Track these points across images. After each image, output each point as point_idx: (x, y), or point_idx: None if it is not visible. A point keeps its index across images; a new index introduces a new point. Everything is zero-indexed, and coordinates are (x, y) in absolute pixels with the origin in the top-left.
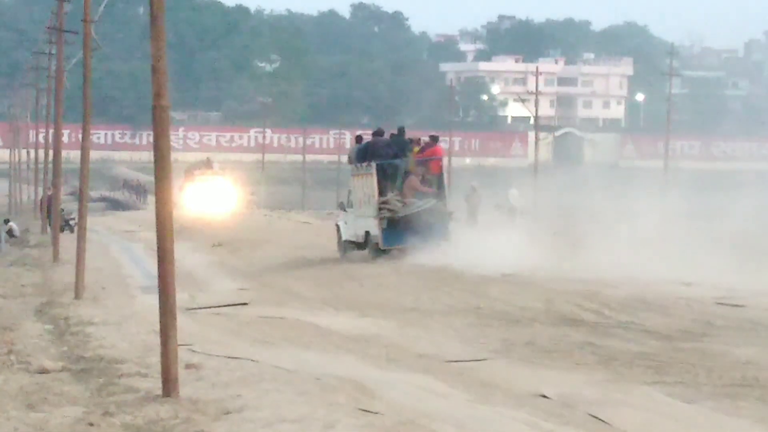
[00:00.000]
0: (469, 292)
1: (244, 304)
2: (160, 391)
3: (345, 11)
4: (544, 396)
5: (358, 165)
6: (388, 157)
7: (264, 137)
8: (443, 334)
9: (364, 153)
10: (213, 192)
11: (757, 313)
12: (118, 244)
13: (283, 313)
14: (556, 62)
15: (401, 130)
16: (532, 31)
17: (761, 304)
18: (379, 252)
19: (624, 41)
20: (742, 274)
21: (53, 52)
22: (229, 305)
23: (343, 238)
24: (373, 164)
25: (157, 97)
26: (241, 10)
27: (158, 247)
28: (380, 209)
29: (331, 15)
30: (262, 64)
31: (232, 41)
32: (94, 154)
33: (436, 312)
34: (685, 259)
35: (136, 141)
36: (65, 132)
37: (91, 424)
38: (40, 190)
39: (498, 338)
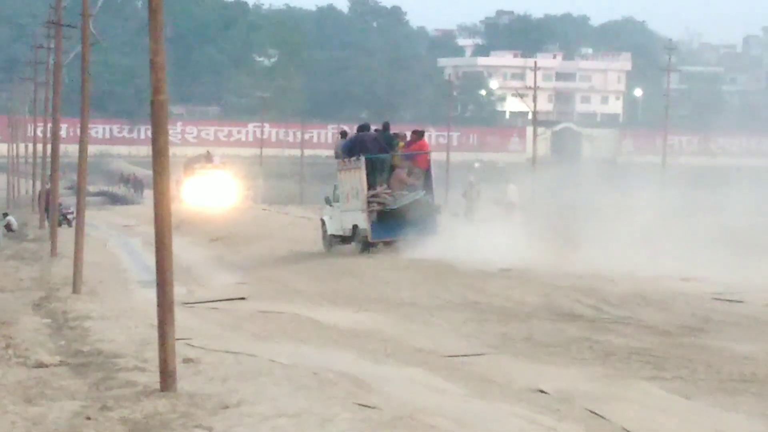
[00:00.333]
0: (467, 287)
1: (242, 298)
2: (157, 386)
3: (343, 6)
4: (542, 391)
5: (345, 160)
6: (376, 152)
7: (262, 132)
8: (441, 328)
9: (351, 147)
10: (213, 186)
11: (755, 309)
12: (116, 238)
13: (281, 308)
14: (555, 57)
15: (386, 125)
16: (531, 26)
17: (759, 300)
18: (367, 245)
19: (622, 36)
20: (740, 269)
21: (51, 46)
22: (227, 300)
23: (329, 232)
24: (362, 158)
25: (156, 92)
26: (240, 4)
27: (156, 242)
28: (369, 202)
29: (330, 10)
30: (261, 59)
31: (230, 36)
32: (92, 149)
33: (434, 307)
34: (684, 254)
35: (135, 135)
36: (63, 126)
37: (89, 418)
38: (38, 184)
39: (496, 333)
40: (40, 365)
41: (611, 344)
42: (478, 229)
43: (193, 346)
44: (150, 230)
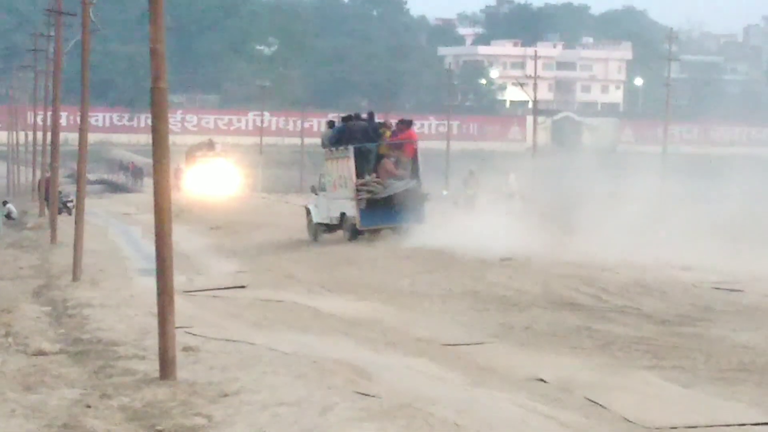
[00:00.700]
0: (467, 276)
1: (242, 287)
2: (157, 374)
3: None
4: (542, 380)
5: (333, 149)
6: (364, 141)
7: (262, 120)
8: (441, 317)
9: (339, 137)
10: (215, 174)
11: (755, 298)
12: (116, 226)
13: (281, 297)
14: (555, 46)
15: (371, 115)
16: (531, 15)
17: (759, 289)
18: (356, 233)
19: (623, 25)
20: (740, 258)
21: (52, 34)
22: (226, 288)
23: (315, 220)
24: (350, 148)
25: (156, 80)
26: None
27: (156, 230)
28: (358, 191)
29: None
30: (261, 48)
31: (230, 24)
32: (92, 137)
33: (434, 296)
34: (684, 243)
35: (135, 124)
36: (63, 114)
37: (89, 406)
38: (38, 172)
39: (496, 322)
40: (40, 353)
41: (611, 333)
42: (478, 219)
43: (192, 334)
44: (150, 218)
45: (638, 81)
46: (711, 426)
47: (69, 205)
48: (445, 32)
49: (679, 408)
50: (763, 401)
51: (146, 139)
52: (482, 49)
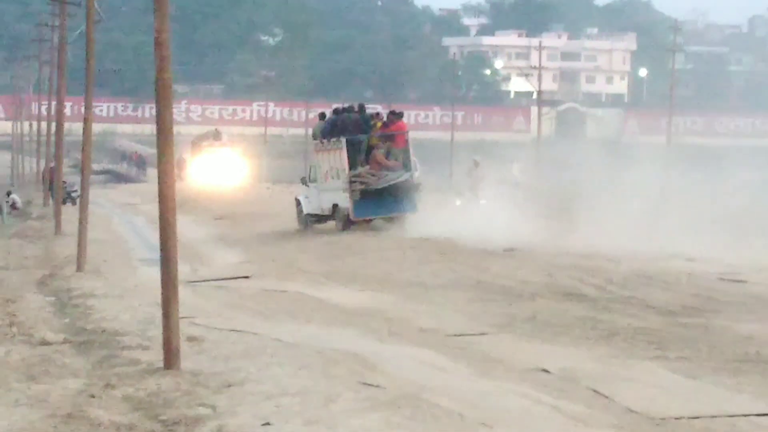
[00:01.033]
0: (471, 267)
1: (246, 277)
2: (161, 364)
3: None
4: (546, 370)
5: (324, 140)
6: (356, 133)
7: (266, 111)
8: (445, 308)
9: (331, 129)
10: (220, 164)
11: (759, 289)
12: (120, 216)
13: (285, 287)
14: (559, 37)
15: (362, 107)
16: (536, 5)
17: (764, 280)
18: (348, 223)
19: (627, 16)
20: (744, 249)
21: (56, 24)
22: (231, 278)
23: (305, 211)
24: (342, 139)
25: (160, 70)
26: None
27: (160, 220)
28: (352, 182)
29: None
30: (266, 38)
31: (235, 14)
32: (96, 127)
33: (438, 286)
34: (688, 234)
35: (139, 114)
36: (67, 104)
37: (93, 396)
38: (43, 162)
39: (500, 313)
40: (44, 343)
41: (615, 324)
42: (482, 209)
43: (196, 324)
44: (154, 208)
45: (643, 72)
46: (715, 416)
47: (73, 195)
48: (449, 23)
49: (683, 398)
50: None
51: (150, 129)
52: (487, 40)
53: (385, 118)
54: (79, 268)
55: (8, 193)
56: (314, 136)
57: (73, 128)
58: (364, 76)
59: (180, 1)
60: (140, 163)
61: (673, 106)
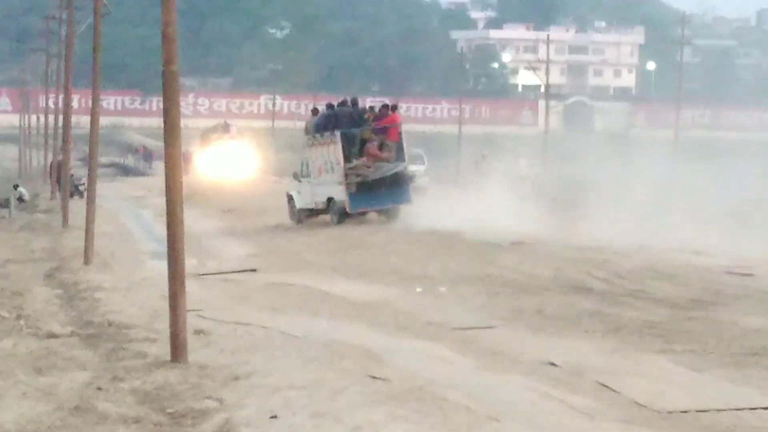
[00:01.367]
0: (479, 260)
1: (253, 270)
2: (168, 357)
3: None
4: (553, 364)
5: (318, 135)
6: (351, 126)
7: (274, 104)
8: (452, 301)
9: (326, 123)
10: (229, 157)
11: (766, 283)
12: (128, 209)
13: (292, 280)
14: (567, 30)
15: (355, 101)
16: None
17: None
18: (344, 216)
19: (635, 9)
20: (752, 243)
21: (63, 17)
22: (238, 271)
23: (298, 206)
24: (337, 133)
25: (167, 63)
26: None
27: (168, 213)
28: (347, 175)
29: None
30: (273, 31)
31: (242, 7)
32: (103, 120)
33: (445, 279)
34: (695, 228)
35: (146, 107)
36: (75, 97)
37: (100, 389)
38: (50, 155)
39: (507, 306)
40: (51, 336)
41: (622, 317)
42: (490, 202)
43: (204, 317)
44: (162, 202)
45: (651, 65)
46: (722, 410)
47: (81, 188)
48: (457, 16)
49: (690, 392)
50: None
51: (158, 122)
52: (494, 33)
53: (377, 111)
54: (87, 261)
55: (15, 186)
56: (306, 131)
57: (81, 121)
58: (372, 70)
59: None
60: (147, 156)
61: (680, 100)
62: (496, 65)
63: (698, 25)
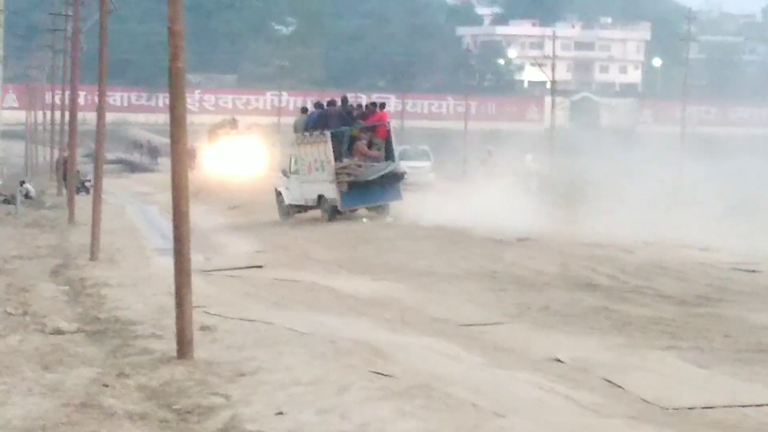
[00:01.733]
0: (485, 256)
1: (259, 266)
2: (174, 353)
3: None
4: (559, 360)
5: (307, 133)
6: (341, 125)
7: (280, 100)
8: (458, 297)
9: (316, 122)
10: (237, 152)
11: None
12: (134, 205)
13: (298, 276)
14: (573, 26)
15: (344, 99)
16: None
17: None
18: (335, 213)
19: (642, 6)
20: (758, 239)
21: (70, 13)
22: (244, 267)
23: (286, 202)
24: (327, 133)
25: (173, 59)
26: None
27: (174, 209)
28: (338, 174)
29: None
30: (279, 27)
31: (249, 4)
32: (110, 116)
33: (451, 276)
34: (701, 224)
35: (153, 103)
36: (81, 94)
37: (106, 385)
38: (56, 151)
39: (513, 302)
40: (58, 332)
41: (628, 314)
42: (496, 198)
43: (210, 313)
44: (168, 198)
45: (657, 61)
46: (728, 406)
47: (87, 184)
48: (463, 12)
49: (696, 388)
50: None
51: (164, 118)
52: (500, 29)
53: (364, 109)
54: (93, 258)
55: (22, 183)
56: (296, 130)
57: (87, 117)
58: (378, 66)
59: None
60: (152, 151)
61: (686, 96)
62: (502, 61)
63: (704, 21)
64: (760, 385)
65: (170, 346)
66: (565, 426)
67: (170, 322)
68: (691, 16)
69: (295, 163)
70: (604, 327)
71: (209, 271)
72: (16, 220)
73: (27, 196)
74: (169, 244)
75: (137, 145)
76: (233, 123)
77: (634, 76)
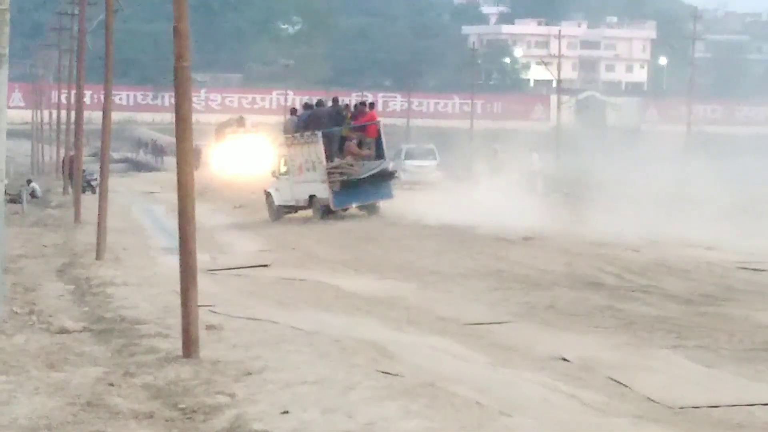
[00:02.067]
0: (490, 255)
1: (265, 265)
2: (180, 352)
3: None
4: (564, 359)
5: (297, 134)
6: (331, 125)
7: (286, 99)
8: (464, 296)
9: (307, 122)
10: (244, 151)
11: None
12: (140, 205)
13: (303, 275)
14: (579, 25)
15: (335, 100)
16: None
17: None
18: (327, 212)
19: (647, 4)
20: (764, 238)
21: (76, 12)
22: (250, 267)
23: (277, 203)
24: (318, 133)
25: (179, 58)
26: None
27: (179, 209)
28: (331, 173)
29: None
30: (285, 26)
31: (254, 3)
32: (116, 115)
33: (456, 275)
34: (707, 223)
35: (158, 102)
36: (87, 93)
37: (112, 384)
38: (62, 150)
39: (518, 301)
40: (63, 331)
41: (634, 313)
42: (502, 197)
43: (215, 313)
44: (173, 197)
45: (662, 60)
46: (734, 405)
47: (93, 183)
48: (468, 11)
49: (702, 387)
50: None
51: (170, 117)
52: (506, 28)
53: (353, 109)
54: (99, 257)
55: (28, 182)
56: (285, 131)
57: (93, 117)
58: (383, 65)
59: None
60: (157, 150)
61: (692, 95)
62: (507, 60)
63: (710, 20)
64: (766, 384)
65: (176, 345)
66: (570, 425)
67: (176, 321)
68: (697, 14)
69: (285, 164)
70: (610, 326)
71: (215, 270)
72: (22, 219)
73: (33, 195)
74: (175, 243)
75: (143, 144)
76: (240, 121)
77: (640, 74)
